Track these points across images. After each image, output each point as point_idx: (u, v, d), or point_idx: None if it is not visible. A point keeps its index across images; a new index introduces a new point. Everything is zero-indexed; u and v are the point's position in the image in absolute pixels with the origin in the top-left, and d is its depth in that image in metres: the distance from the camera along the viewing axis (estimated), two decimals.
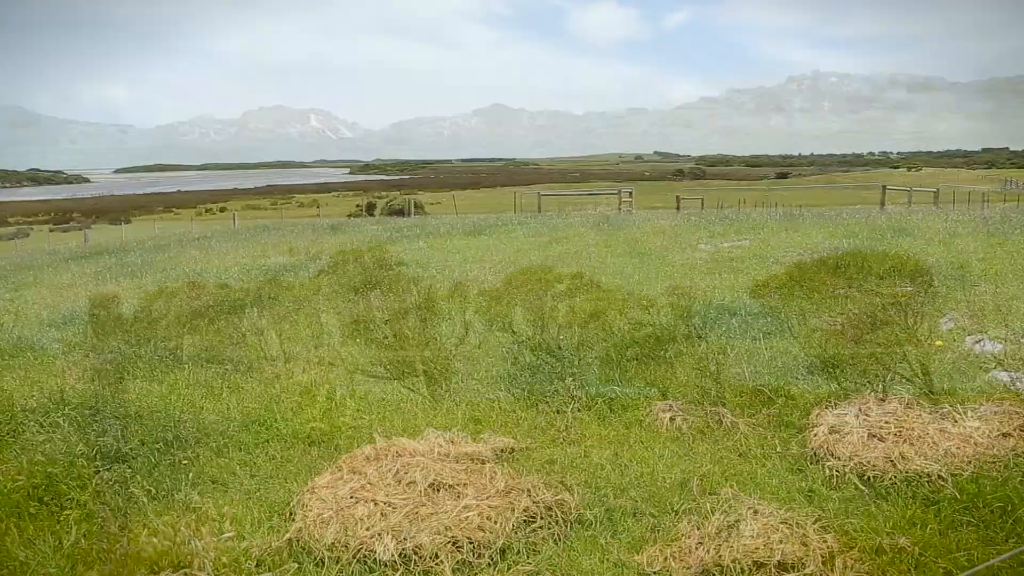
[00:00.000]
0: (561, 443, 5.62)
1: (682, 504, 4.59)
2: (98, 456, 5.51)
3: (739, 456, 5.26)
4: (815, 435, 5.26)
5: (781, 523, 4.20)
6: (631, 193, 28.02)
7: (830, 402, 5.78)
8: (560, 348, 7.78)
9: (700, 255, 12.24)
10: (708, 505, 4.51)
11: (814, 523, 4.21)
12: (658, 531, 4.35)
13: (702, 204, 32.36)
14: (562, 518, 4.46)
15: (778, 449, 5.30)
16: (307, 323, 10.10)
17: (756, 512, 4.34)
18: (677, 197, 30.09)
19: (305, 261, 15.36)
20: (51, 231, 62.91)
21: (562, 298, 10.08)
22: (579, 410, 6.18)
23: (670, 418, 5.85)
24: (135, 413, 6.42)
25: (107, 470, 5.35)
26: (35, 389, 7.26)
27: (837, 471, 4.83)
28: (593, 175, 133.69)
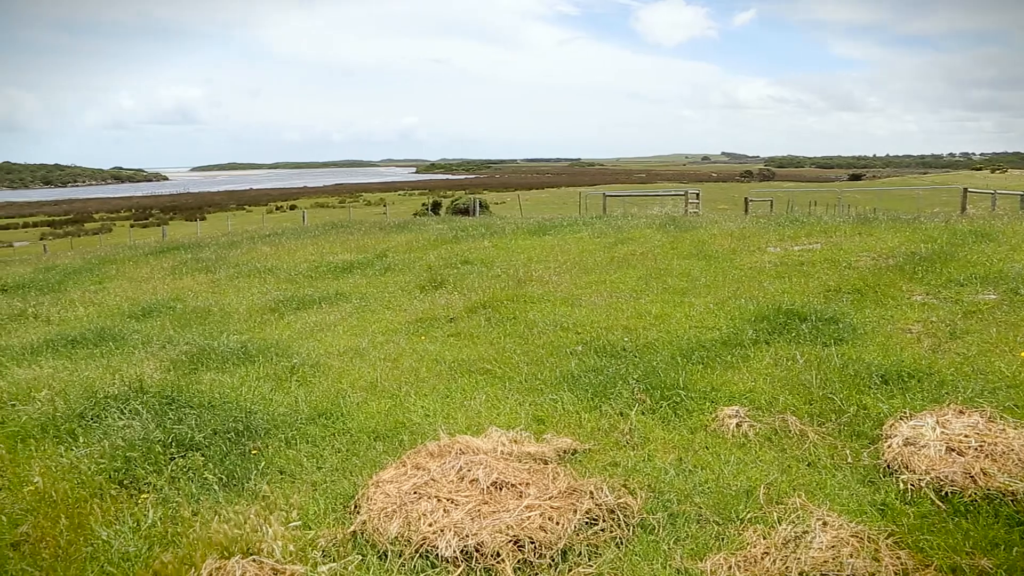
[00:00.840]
0: (624, 446, 5.56)
1: (748, 512, 4.49)
2: (173, 443, 5.70)
3: (808, 466, 5.11)
4: (889, 447, 5.08)
5: (852, 536, 4.08)
6: (698, 194, 27.60)
7: (905, 413, 5.56)
8: (624, 350, 7.71)
9: (769, 258, 11.97)
10: (775, 514, 4.40)
11: (887, 538, 4.06)
12: (723, 539, 4.26)
13: (771, 206, 31.73)
14: (624, 521, 4.42)
15: (849, 460, 5.13)
16: (373, 319, 10.27)
17: (825, 524, 4.21)
18: (745, 199, 29.49)
19: (372, 258, 15.61)
20: (132, 226, 65.70)
21: (627, 299, 10.00)
22: (643, 413, 6.11)
23: (736, 424, 5.74)
24: (208, 403, 6.62)
25: (182, 457, 5.53)
26: (116, 377, 7.57)
27: (912, 485, 4.64)
28: (659, 176, 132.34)
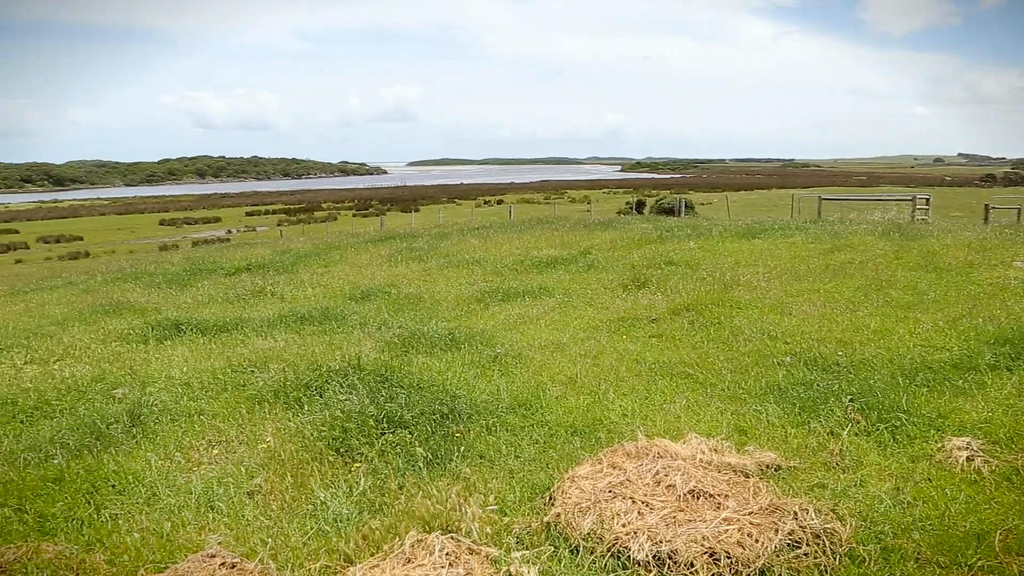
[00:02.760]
0: (834, 468, 5.19)
1: (978, 559, 4.00)
2: (385, 419, 6.09)
3: None
4: None
5: None
6: (928, 199, 25.14)
7: None
8: (838, 365, 7.21)
9: (1015, 274, 10.66)
10: (1015, 568, 3.89)
11: None
12: None
13: (1018, 215, 28.19)
14: (831, 549, 4.12)
15: None
16: (575, 315, 10.37)
17: None
18: (986, 205, 26.43)
19: (575, 255, 15.76)
20: (354, 216, 71.19)
21: (843, 310, 9.34)
22: (856, 434, 5.68)
23: (967, 458, 5.16)
24: (417, 384, 7.00)
25: (391, 433, 5.90)
26: (337, 354, 8.24)
27: None
28: (882, 178, 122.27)
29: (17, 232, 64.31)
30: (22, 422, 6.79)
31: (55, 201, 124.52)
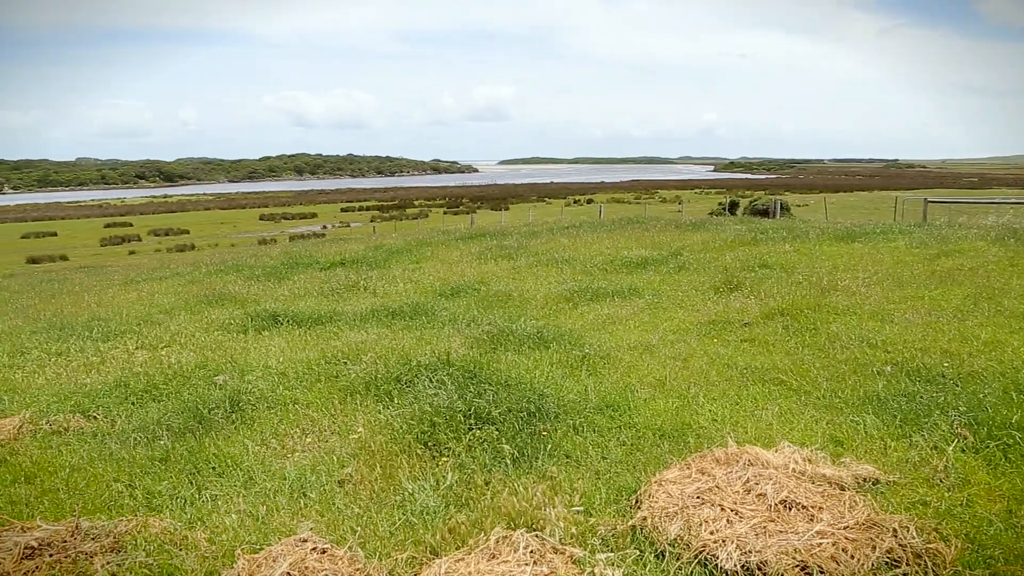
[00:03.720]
0: (937, 485, 4.93)
1: None
2: (472, 415, 6.15)
3: None
4: None
5: None
6: None
7: None
8: (944, 376, 6.85)
9: None
10: None
11: None
12: None
13: None
14: (932, 571, 3.92)
15: None
16: (664, 317, 10.22)
17: None
18: None
19: (666, 256, 15.54)
20: (444, 213, 72.23)
21: (950, 320, 8.87)
22: (962, 450, 5.38)
23: None
24: (504, 381, 7.03)
25: (479, 429, 5.95)
26: (427, 348, 8.38)
27: None
28: (995, 180, 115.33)
29: (131, 225, 68.27)
30: (133, 403, 7.22)
31: (165, 196, 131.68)
